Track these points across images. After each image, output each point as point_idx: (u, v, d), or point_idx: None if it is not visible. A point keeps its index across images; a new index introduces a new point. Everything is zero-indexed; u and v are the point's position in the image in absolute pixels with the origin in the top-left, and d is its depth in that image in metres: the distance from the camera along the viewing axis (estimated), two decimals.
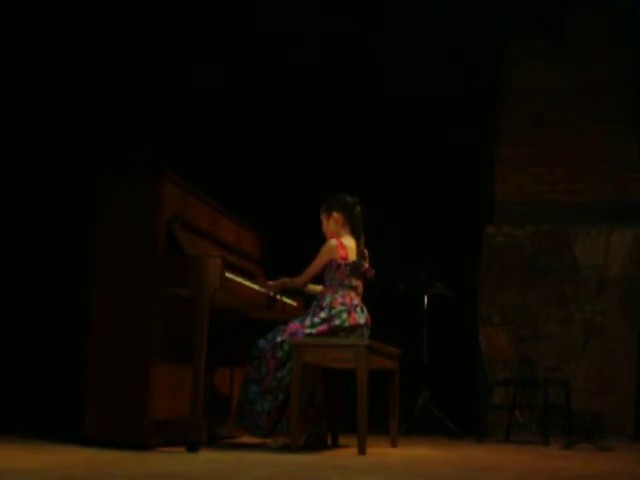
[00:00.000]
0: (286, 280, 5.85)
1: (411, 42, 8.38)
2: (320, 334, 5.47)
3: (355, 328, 5.54)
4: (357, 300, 5.65)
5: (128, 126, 7.34)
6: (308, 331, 5.48)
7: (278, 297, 5.88)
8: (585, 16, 8.45)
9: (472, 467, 4.75)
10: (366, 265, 5.72)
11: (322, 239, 5.80)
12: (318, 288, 5.86)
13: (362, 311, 5.64)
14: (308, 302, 5.96)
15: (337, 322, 5.52)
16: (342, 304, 5.56)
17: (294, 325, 5.54)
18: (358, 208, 5.81)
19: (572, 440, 6.46)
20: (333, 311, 5.54)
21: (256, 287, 5.60)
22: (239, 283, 5.34)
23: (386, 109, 8.47)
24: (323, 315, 5.54)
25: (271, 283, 5.87)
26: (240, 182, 7.76)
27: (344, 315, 5.53)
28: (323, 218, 5.87)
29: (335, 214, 5.79)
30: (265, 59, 8.29)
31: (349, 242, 5.69)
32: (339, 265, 5.62)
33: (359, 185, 6.21)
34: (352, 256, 5.67)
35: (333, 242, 5.67)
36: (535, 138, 8.37)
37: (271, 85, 8.31)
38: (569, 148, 8.32)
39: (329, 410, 5.88)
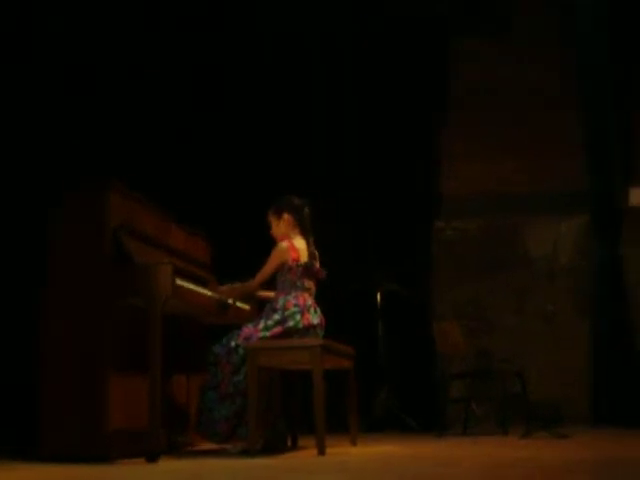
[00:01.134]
0: (238, 285, 5.82)
1: (357, 35, 8.43)
2: (274, 336, 5.46)
3: (309, 329, 5.54)
4: (310, 301, 5.65)
5: (74, 136, 7.25)
6: (262, 334, 5.46)
7: (231, 302, 5.84)
8: (530, 11, 8.52)
9: (431, 461, 4.76)
10: (317, 265, 5.72)
11: (271, 242, 5.78)
12: (269, 294, 5.86)
13: (315, 311, 5.63)
14: (261, 306, 5.94)
15: (291, 323, 5.51)
16: (295, 305, 5.55)
17: (248, 329, 5.51)
18: (307, 209, 5.80)
19: (530, 429, 6.50)
20: (287, 312, 5.53)
21: (208, 293, 5.57)
22: (191, 290, 5.31)
23: (333, 107, 8.46)
24: (277, 317, 5.53)
25: (223, 288, 5.83)
26: (187, 189, 7.69)
27: (297, 316, 5.53)
28: (272, 220, 5.83)
29: (285, 216, 5.76)
30: (211, 65, 8.26)
31: (300, 244, 5.68)
32: (291, 267, 5.61)
33: (308, 185, 6.20)
34: (303, 257, 5.66)
35: (284, 244, 5.65)
36: (482, 132, 8.42)
37: (214, 89, 8.27)
38: (515, 141, 8.39)
39: (287, 411, 5.87)
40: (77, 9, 7.27)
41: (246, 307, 6.13)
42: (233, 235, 7.60)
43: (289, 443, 5.86)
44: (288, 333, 5.49)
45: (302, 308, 5.56)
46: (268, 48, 8.40)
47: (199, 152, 8.11)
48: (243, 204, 7.69)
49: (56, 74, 7.16)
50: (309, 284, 5.69)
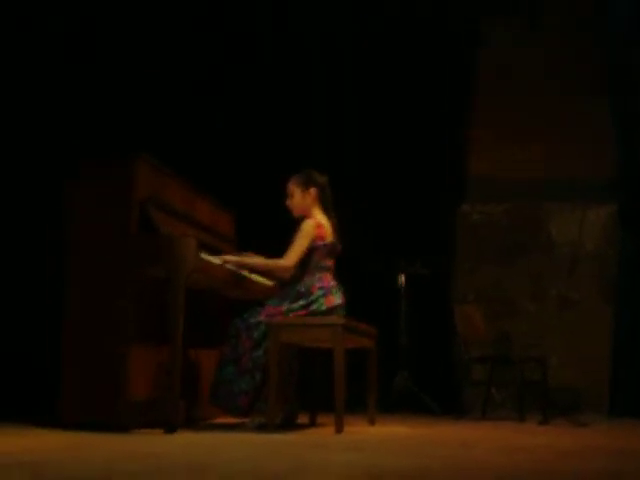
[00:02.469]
0: (259, 261, 5.72)
1: (381, 21, 8.40)
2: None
3: (332, 310, 5.53)
4: (333, 281, 5.64)
5: (102, 109, 7.30)
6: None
7: (246, 274, 5.76)
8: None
9: (449, 444, 4.77)
10: (338, 244, 5.71)
11: (290, 216, 5.75)
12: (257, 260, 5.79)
13: (338, 291, 5.63)
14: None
15: (314, 307, 5.51)
16: (320, 288, 5.53)
17: (271, 308, 5.51)
18: (329, 187, 5.78)
19: (548, 416, 6.51)
20: (312, 297, 5.51)
21: (229, 267, 5.55)
22: (214, 264, 5.33)
23: (358, 89, 8.45)
24: (302, 302, 5.50)
25: (230, 258, 5.63)
26: (214, 162, 7.72)
27: (321, 300, 5.51)
28: (296, 191, 5.72)
29: (312, 190, 5.70)
30: (236, 44, 8.27)
31: (324, 220, 5.66)
32: (317, 247, 5.58)
33: (332, 164, 6.18)
34: (329, 236, 5.65)
35: (312, 222, 5.59)
36: (509, 115, 8.38)
37: (238, 66, 8.28)
38: (544, 125, 8.33)
39: (306, 389, 5.88)
40: None
41: (269, 282, 6.13)
42: (259, 210, 7.60)
43: (299, 420, 5.86)
44: (311, 315, 5.49)
45: (326, 290, 5.55)
46: (268, 48, 8.40)
47: (228, 125, 8.14)
48: (270, 179, 7.68)
49: (83, 49, 7.23)
50: (330, 263, 5.68)
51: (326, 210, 5.73)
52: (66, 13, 7.29)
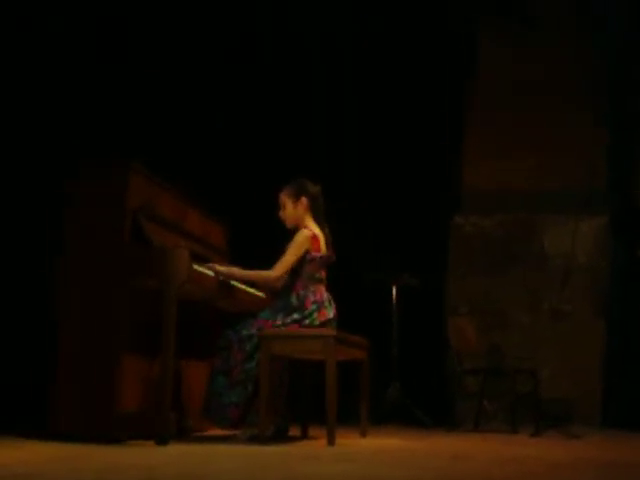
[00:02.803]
0: (244, 272, 5.65)
1: (377, 27, 8.43)
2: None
3: (325, 324, 5.51)
4: (326, 293, 5.62)
5: (95, 117, 7.28)
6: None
7: (233, 284, 5.68)
8: (552, 8, 8.48)
9: (441, 456, 4.76)
10: (332, 255, 5.70)
11: (284, 227, 5.73)
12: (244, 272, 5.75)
13: (330, 304, 5.61)
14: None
15: (307, 322, 5.49)
16: (314, 302, 5.51)
17: (263, 321, 5.48)
18: (321, 197, 5.76)
19: (540, 428, 6.50)
20: (306, 312, 5.49)
21: (215, 276, 5.52)
22: (206, 275, 5.32)
23: (355, 98, 8.46)
24: (295, 317, 5.48)
25: (219, 269, 5.56)
26: (206, 173, 7.71)
27: (315, 314, 5.49)
28: (287, 202, 5.68)
29: (303, 199, 5.66)
30: (234, 55, 8.28)
31: (318, 231, 5.64)
32: (313, 258, 5.56)
33: (325, 175, 6.16)
34: (323, 248, 5.63)
35: (308, 233, 5.56)
36: (502, 126, 8.39)
37: (231, 76, 8.29)
38: (536, 137, 8.34)
39: (297, 401, 5.86)
40: None
41: (261, 294, 6.12)
42: (250, 221, 7.59)
43: (290, 432, 5.83)
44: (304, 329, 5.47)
45: (319, 304, 5.52)
46: (268, 48, 8.42)
47: (220, 137, 8.13)
48: (263, 191, 7.66)
49: (81, 57, 7.21)
50: (323, 274, 5.67)
51: (318, 219, 5.70)
52: (66, 13, 7.25)
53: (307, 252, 5.55)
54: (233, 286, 5.67)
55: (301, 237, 5.56)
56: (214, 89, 8.23)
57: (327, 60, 8.51)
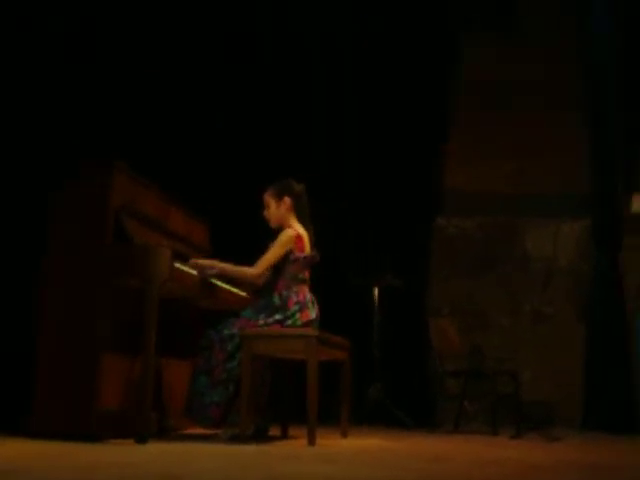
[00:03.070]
0: (227, 266, 5.59)
1: (377, 27, 8.44)
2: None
3: (307, 325, 5.50)
4: (309, 294, 5.61)
5: (77, 116, 7.24)
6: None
7: (214, 282, 5.66)
8: (536, 9, 8.51)
9: (422, 457, 4.76)
10: (316, 255, 5.69)
11: (268, 226, 5.72)
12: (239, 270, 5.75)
13: (313, 305, 5.60)
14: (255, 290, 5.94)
15: (290, 322, 5.48)
16: (296, 303, 5.50)
17: (245, 321, 5.48)
18: (305, 196, 5.76)
19: (520, 430, 6.51)
20: (288, 312, 5.49)
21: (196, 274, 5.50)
22: (189, 274, 5.31)
23: (337, 99, 8.46)
24: (278, 317, 5.48)
25: (202, 262, 5.56)
26: (189, 172, 7.68)
27: (297, 315, 5.48)
28: (271, 202, 5.70)
29: (286, 199, 5.67)
30: (233, 55, 8.29)
31: (302, 231, 5.64)
32: (297, 258, 5.55)
33: (308, 176, 6.15)
34: (307, 248, 5.62)
35: (291, 232, 5.56)
36: (485, 130, 8.41)
37: (214, 76, 8.28)
38: (519, 140, 8.38)
39: (278, 401, 5.86)
40: None
41: (243, 293, 6.11)
42: (233, 220, 7.58)
43: (271, 432, 5.83)
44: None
45: (302, 305, 5.52)
46: (268, 48, 8.41)
47: (201, 139, 8.11)
48: (243, 190, 7.65)
49: (57, 55, 7.15)
50: (307, 275, 5.67)
51: (302, 219, 5.70)
52: (59, 13, 7.21)
53: (290, 252, 5.54)
54: (215, 285, 5.66)
55: (285, 236, 5.56)
56: (213, 89, 8.21)
57: (327, 60, 8.51)
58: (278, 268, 5.58)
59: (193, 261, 5.50)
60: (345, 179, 8.39)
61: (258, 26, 8.48)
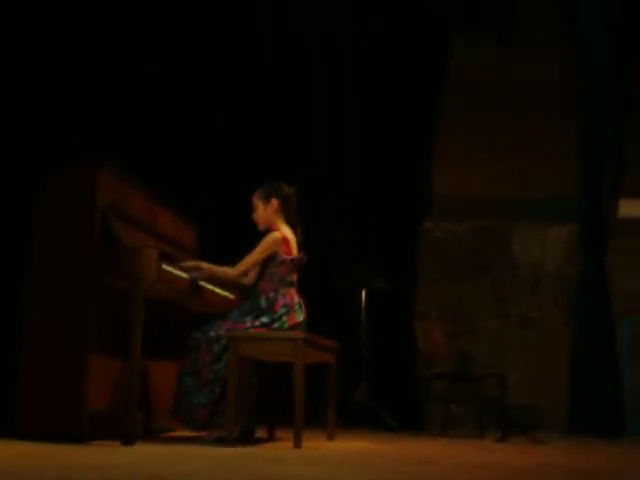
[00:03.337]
0: (205, 264, 5.61)
1: (377, 27, 8.46)
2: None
3: (294, 327, 5.49)
4: (297, 297, 5.61)
5: (66, 115, 7.22)
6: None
7: (203, 284, 5.67)
8: (536, 9, 8.52)
9: (408, 459, 4.76)
10: (303, 257, 5.68)
11: (257, 231, 5.72)
12: (245, 280, 5.79)
13: (301, 308, 5.60)
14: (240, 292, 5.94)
15: (277, 325, 5.47)
16: (284, 305, 5.50)
17: (231, 323, 5.46)
18: (295, 198, 5.76)
19: (507, 433, 6.52)
20: (275, 315, 5.48)
21: (187, 277, 5.50)
22: (176, 275, 5.30)
23: (327, 101, 8.47)
24: (264, 320, 5.47)
25: (189, 263, 5.57)
26: (177, 173, 7.67)
27: (284, 318, 5.48)
28: (258, 204, 5.71)
29: (273, 201, 5.67)
30: (233, 55, 8.29)
31: (289, 234, 5.63)
32: (283, 261, 5.54)
33: (297, 178, 6.14)
34: (294, 250, 5.62)
35: (277, 235, 5.56)
36: (474, 134, 8.42)
37: (203, 79, 8.27)
38: (508, 144, 8.38)
39: (264, 403, 5.85)
40: None
41: (230, 295, 6.10)
42: (221, 221, 7.57)
43: (257, 434, 5.82)
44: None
45: (289, 308, 5.51)
46: (268, 48, 8.41)
47: (195, 140, 8.10)
48: (234, 192, 7.63)
49: (51, 58, 7.13)
50: (295, 277, 5.66)
51: (290, 221, 5.70)
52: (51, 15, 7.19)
53: (276, 254, 5.53)
54: (202, 287, 5.65)
55: (270, 238, 5.56)
56: (213, 90, 8.20)
57: (327, 60, 8.52)
58: (264, 271, 5.58)
59: (181, 265, 5.49)
60: (345, 180, 8.39)
61: (258, 26, 8.47)
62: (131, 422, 4.91)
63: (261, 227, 5.72)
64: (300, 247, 5.68)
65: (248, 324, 5.45)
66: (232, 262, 5.64)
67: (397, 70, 8.48)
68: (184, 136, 7.98)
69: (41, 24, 7.04)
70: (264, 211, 5.70)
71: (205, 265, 5.60)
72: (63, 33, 7.14)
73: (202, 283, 5.64)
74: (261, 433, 5.80)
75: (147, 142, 7.45)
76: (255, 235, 5.69)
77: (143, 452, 4.57)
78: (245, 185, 6.13)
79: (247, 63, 8.38)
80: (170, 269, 5.22)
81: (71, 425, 4.91)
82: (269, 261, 5.56)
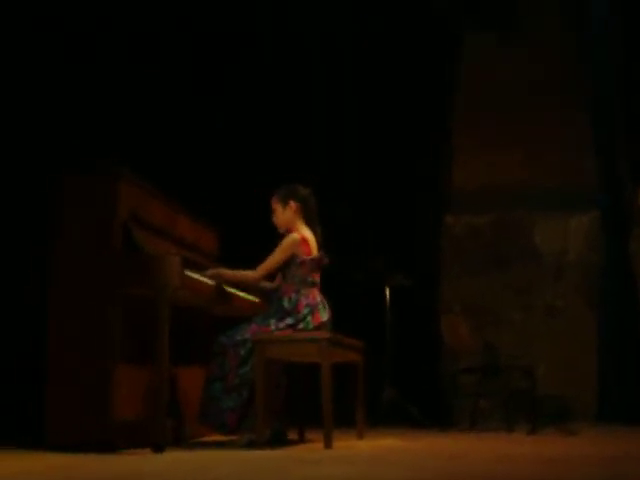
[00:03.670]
0: (225, 270, 5.64)
1: (377, 27, 8.45)
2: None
3: (319, 327, 5.49)
4: (319, 296, 5.61)
5: (84, 124, 7.23)
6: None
7: (229, 289, 5.70)
8: (536, 9, 8.48)
9: (439, 455, 4.75)
10: (324, 256, 5.68)
11: (277, 232, 5.73)
12: (267, 284, 5.82)
13: (324, 307, 5.60)
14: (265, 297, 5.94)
15: (302, 326, 5.47)
16: (307, 305, 5.49)
17: (256, 327, 5.46)
18: (313, 199, 5.76)
19: (537, 425, 6.49)
20: (299, 315, 5.48)
21: (212, 283, 5.51)
22: (199, 281, 5.31)
23: (342, 99, 8.47)
24: (289, 321, 5.46)
25: (209, 272, 5.56)
26: (196, 178, 7.69)
27: (309, 318, 5.47)
28: (277, 207, 5.71)
29: (292, 203, 5.67)
30: (233, 55, 8.31)
31: (309, 234, 5.64)
32: (303, 261, 5.54)
33: (317, 175, 6.16)
34: (314, 250, 5.62)
35: (296, 236, 5.56)
36: (492, 126, 8.39)
37: (231, 76, 8.30)
38: (525, 134, 8.34)
39: (294, 404, 5.85)
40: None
41: (254, 299, 6.11)
42: (241, 226, 7.58)
43: (289, 436, 5.82)
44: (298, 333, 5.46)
45: (313, 307, 5.51)
46: (268, 48, 8.42)
47: (205, 143, 8.11)
48: (251, 194, 7.63)
49: (67, 60, 7.15)
50: (317, 277, 5.66)
51: (310, 222, 5.70)
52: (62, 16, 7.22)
53: (295, 256, 5.53)
54: (227, 292, 5.66)
55: (289, 240, 5.57)
56: (213, 90, 8.22)
57: (327, 60, 8.52)
58: (285, 272, 5.59)
59: (202, 273, 5.49)
60: (347, 180, 8.39)
61: (258, 26, 8.48)
62: (160, 429, 4.92)
63: (281, 229, 5.73)
64: (320, 247, 5.68)
65: (273, 327, 5.45)
66: (254, 266, 5.65)
67: (397, 70, 8.47)
68: (184, 136, 7.98)
69: (41, 24, 7.05)
70: (283, 214, 5.71)
71: (225, 271, 5.61)
72: (63, 33, 7.16)
73: (227, 288, 5.65)
74: (292, 435, 5.80)
75: (149, 142, 7.46)
76: (276, 238, 5.70)
77: (174, 459, 4.57)
78: (263, 187, 6.13)
79: (247, 63, 8.38)
80: (193, 275, 5.22)
81: (101, 435, 4.92)
82: (289, 263, 5.57)
